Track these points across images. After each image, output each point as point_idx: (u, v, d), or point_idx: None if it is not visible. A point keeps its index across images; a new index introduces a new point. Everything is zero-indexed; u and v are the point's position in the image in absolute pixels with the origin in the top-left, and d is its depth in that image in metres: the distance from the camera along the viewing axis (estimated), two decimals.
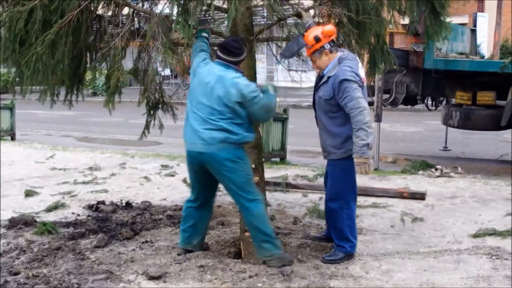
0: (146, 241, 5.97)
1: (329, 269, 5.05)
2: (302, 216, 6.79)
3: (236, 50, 5.07)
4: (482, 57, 12.94)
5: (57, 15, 4.97)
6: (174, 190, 8.58)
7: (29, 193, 8.11)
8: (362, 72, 5.19)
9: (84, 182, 8.95)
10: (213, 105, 4.95)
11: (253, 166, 5.35)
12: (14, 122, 14.20)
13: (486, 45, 15.46)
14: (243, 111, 4.95)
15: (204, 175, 5.17)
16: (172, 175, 9.58)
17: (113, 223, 6.60)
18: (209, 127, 4.93)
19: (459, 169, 9.47)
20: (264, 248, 5.06)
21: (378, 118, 9.94)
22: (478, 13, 14.10)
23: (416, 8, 5.63)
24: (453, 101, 10.90)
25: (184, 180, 8.84)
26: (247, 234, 5.28)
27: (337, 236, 5.34)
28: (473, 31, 12.83)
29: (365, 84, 5.24)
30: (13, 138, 13.97)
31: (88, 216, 6.97)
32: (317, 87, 5.36)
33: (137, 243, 5.92)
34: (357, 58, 5.31)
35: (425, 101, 11.76)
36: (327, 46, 5.19)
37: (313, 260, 5.25)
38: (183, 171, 9.28)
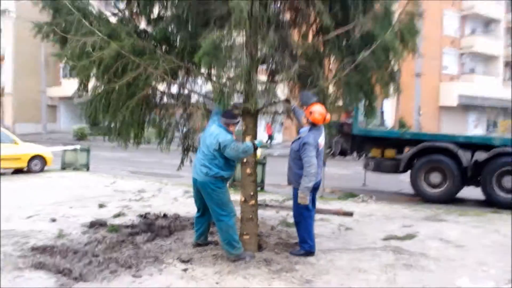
0: (178, 238, 5.87)
1: (294, 258, 5.04)
2: (276, 225, 6.65)
3: (229, 115, 4.98)
4: (387, 127, 13.13)
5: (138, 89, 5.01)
6: (194, 207, 8.11)
7: (101, 206, 8.01)
8: (322, 139, 5.14)
9: (135, 200, 8.76)
10: (204, 150, 4.93)
11: (252, 193, 5.23)
12: (89, 159, 13.98)
13: (389, 120, 15.80)
14: (220, 156, 4.83)
15: (201, 194, 5.04)
16: (192, 197, 9.33)
17: (156, 226, 6.39)
18: (201, 163, 4.91)
19: (373, 197, 9.42)
20: (225, 249, 4.96)
21: (324, 164, 9.96)
22: (385, 99, 14.41)
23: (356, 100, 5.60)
24: (370, 154, 10.83)
25: None
26: (244, 237, 5.16)
27: (300, 239, 5.28)
28: (382, 112, 12.97)
29: (321, 148, 5.15)
30: (88, 170, 13.80)
31: (140, 221, 6.78)
32: (292, 142, 5.33)
33: (172, 239, 5.83)
34: (323, 130, 5.24)
35: (353, 154, 11.83)
36: (309, 120, 5.10)
37: (285, 253, 5.21)
38: None
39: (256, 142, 4.95)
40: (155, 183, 11.19)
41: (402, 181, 12.05)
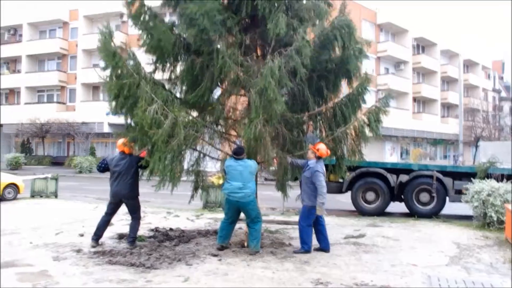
0: (197, 243, 7.38)
1: (291, 252, 7.08)
2: (263, 233, 8.04)
3: (240, 151, 6.76)
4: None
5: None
6: (185, 223, 9.58)
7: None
8: (324, 169, 6.86)
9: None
10: (243, 180, 6.58)
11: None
12: (57, 187, 14.68)
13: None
14: (253, 180, 6.66)
15: (238, 209, 6.78)
16: (178, 216, 10.50)
17: (173, 236, 7.81)
18: (242, 190, 6.58)
19: (325, 212, 11.06)
20: (253, 244, 6.74)
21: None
22: None
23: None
24: None
25: (187, 218, 10.13)
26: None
27: (301, 242, 6.92)
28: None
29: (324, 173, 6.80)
30: (56, 197, 14.39)
31: (155, 233, 8.13)
32: (304, 171, 6.84)
33: (194, 244, 7.37)
34: (323, 163, 6.94)
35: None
36: (317, 154, 6.79)
37: (280, 249, 7.18)
38: (182, 215, 10.69)
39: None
40: None
41: (339, 200, 14.36)
